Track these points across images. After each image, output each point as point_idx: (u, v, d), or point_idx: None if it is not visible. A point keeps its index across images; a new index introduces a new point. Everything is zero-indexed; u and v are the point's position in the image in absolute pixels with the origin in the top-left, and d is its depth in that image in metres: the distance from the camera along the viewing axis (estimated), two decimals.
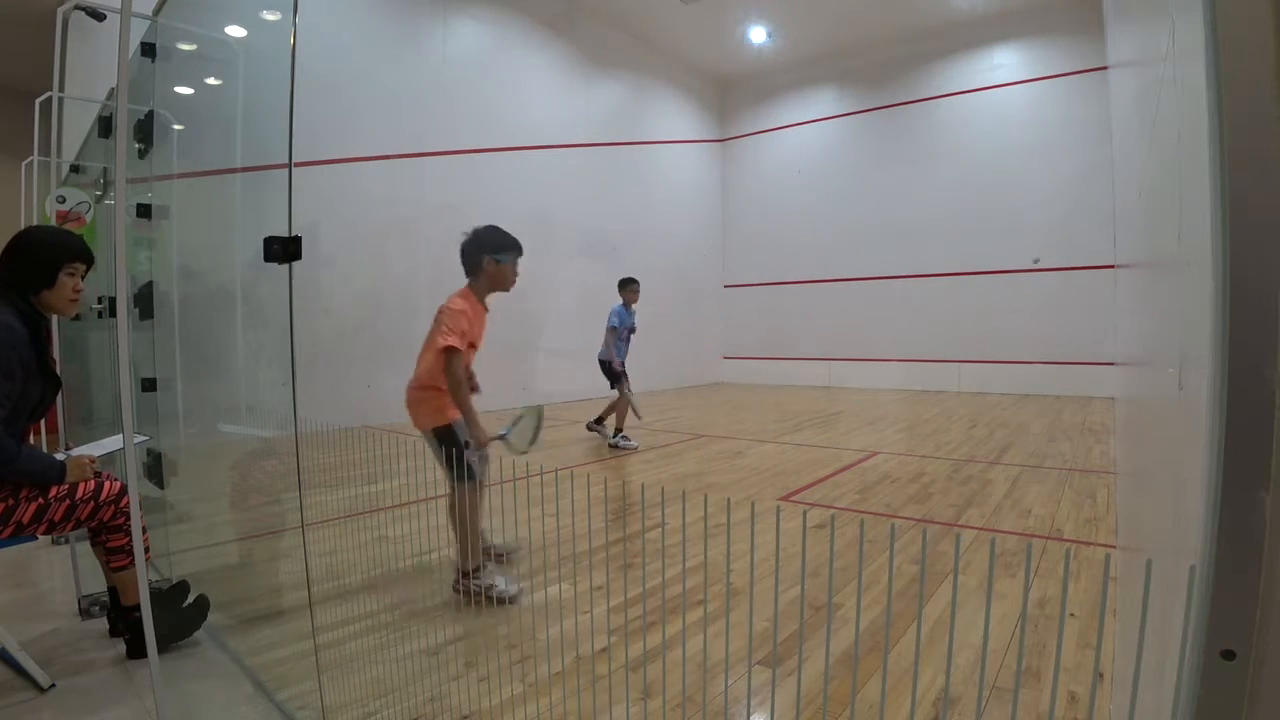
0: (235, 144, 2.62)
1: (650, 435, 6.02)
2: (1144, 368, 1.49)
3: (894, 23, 9.65)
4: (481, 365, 2.70)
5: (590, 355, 5.60)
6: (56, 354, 2.02)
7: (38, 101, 3.73)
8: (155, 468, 2.69)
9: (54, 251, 1.91)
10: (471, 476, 2.35)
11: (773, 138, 11.55)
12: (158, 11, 2.67)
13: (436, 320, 2.48)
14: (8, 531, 1.81)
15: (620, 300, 5.51)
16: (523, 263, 2.62)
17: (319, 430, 1.85)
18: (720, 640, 1.99)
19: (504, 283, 2.60)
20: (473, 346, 2.56)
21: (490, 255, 2.56)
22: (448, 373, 2.37)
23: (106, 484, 1.99)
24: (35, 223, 3.93)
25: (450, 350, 2.36)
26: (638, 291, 5.56)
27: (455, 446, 2.38)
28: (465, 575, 2.36)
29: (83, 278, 1.98)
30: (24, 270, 1.89)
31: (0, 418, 1.75)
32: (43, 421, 2.19)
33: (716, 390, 10.63)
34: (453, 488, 2.40)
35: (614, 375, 5.43)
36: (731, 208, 12.09)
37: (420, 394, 2.47)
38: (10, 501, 1.80)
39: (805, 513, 2.78)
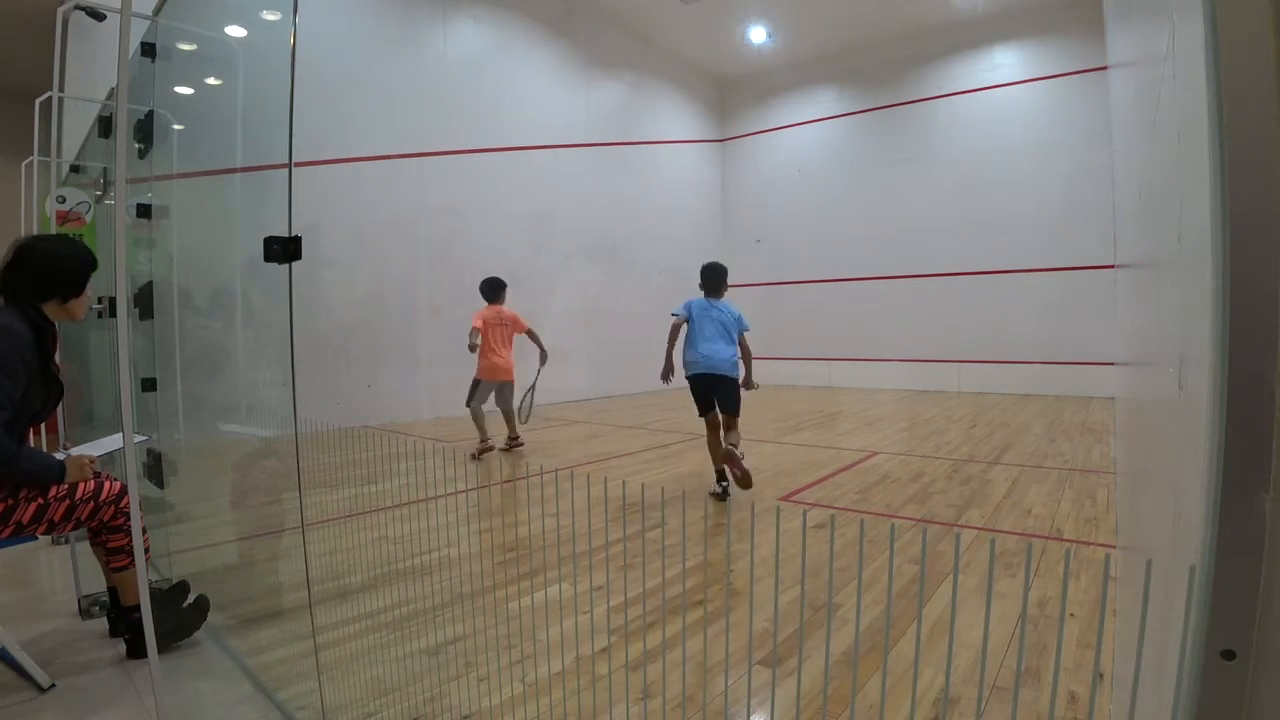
0: (235, 144, 2.62)
1: (650, 435, 6.03)
2: (1144, 368, 1.49)
3: (894, 23, 9.65)
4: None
5: (590, 355, 5.33)
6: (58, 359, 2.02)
7: (38, 101, 3.73)
8: (155, 468, 2.69)
9: (87, 263, 2.01)
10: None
11: (773, 138, 11.53)
12: (158, 11, 2.67)
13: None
14: (8, 531, 1.81)
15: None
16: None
17: (319, 430, 1.85)
18: (720, 640, 1.99)
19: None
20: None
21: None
22: None
23: (106, 484, 1.99)
24: (35, 223, 3.93)
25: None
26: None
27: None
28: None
29: None
30: (65, 283, 1.93)
31: (3, 420, 1.74)
32: (43, 423, 2.19)
33: None
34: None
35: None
36: (731, 208, 12.07)
37: None
38: (10, 501, 1.80)
39: (805, 513, 2.78)
